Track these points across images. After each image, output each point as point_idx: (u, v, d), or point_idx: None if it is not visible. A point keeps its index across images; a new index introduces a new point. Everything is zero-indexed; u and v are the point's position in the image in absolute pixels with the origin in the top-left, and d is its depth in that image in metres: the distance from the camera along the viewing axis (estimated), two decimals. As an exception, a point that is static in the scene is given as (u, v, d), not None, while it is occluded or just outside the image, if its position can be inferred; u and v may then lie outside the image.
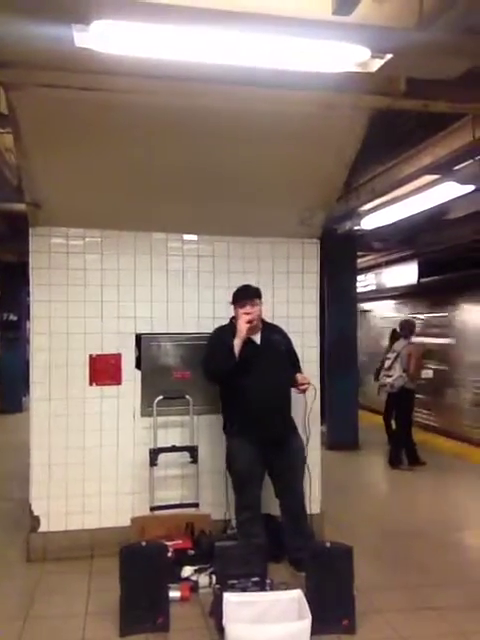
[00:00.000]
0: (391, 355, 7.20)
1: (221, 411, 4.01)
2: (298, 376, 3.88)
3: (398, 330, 7.60)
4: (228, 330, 3.86)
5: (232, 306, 3.89)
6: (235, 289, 3.92)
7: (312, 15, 2.44)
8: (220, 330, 3.96)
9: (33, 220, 4.16)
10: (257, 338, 3.86)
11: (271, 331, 3.94)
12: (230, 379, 3.78)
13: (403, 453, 7.04)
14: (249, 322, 3.72)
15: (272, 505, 4.00)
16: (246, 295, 3.83)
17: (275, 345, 3.87)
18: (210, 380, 3.97)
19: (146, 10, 2.42)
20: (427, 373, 7.32)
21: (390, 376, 7.08)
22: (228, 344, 3.72)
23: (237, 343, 3.71)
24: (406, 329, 7.40)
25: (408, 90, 3.23)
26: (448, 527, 4.92)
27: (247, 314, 3.74)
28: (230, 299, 3.91)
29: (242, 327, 3.72)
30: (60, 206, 4.03)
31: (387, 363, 7.21)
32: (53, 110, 3.26)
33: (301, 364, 4.12)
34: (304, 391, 3.92)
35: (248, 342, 3.78)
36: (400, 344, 7.27)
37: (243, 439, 3.77)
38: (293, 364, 4.00)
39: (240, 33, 2.56)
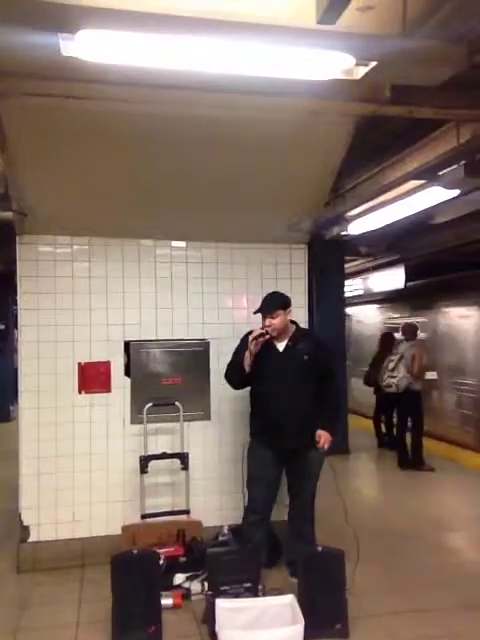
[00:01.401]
0: (394, 357, 7.32)
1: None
2: (319, 434, 3.66)
3: (400, 333, 7.71)
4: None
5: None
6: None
7: (297, 23, 2.46)
8: (247, 336, 3.81)
9: (20, 228, 4.15)
10: (281, 345, 3.77)
11: (299, 339, 3.80)
12: (251, 384, 3.81)
13: (423, 453, 7.07)
14: (256, 338, 3.62)
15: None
16: (265, 308, 3.74)
17: (298, 354, 3.75)
18: (231, 386, 3.93)
19: (132, 19, 2.43)
20: (432, 374, 7.37)
21: (394, 377, 7.16)
22: (244, 357, 3.69)
23: (246, 356, 3.67)
24: (409, 332, 7.54)
25: (393, 97, 3.27)
26: (439, 529, 4.95)
27: (268, 326, 3.68)
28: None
29: (250, 342, 3.66)
30: (47, 214, 4.02)
31: (391, 365, 7.31)
32: (39, 118, 3.26)
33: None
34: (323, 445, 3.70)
35: (271, 348, 3.72)
36: (404, 346, 7.39)
37: (259, 443, 3.78)
38: (322, 375, 3.80)
39: (226, 41, 2.58)
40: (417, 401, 7.19)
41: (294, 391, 3.71)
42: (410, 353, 7.22)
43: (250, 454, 3.82)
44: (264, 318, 3.73)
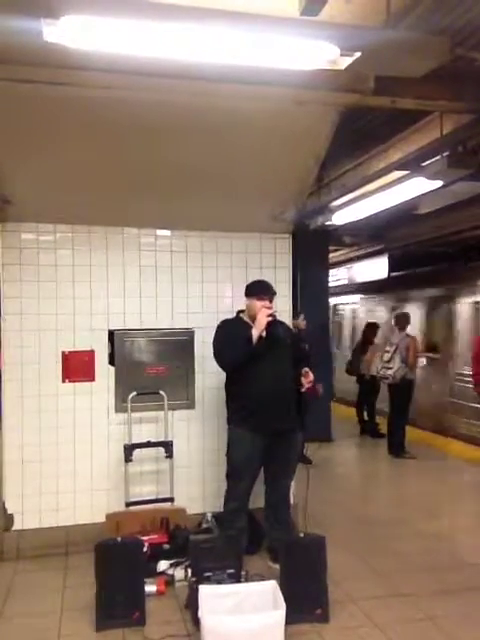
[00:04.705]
0: (390, 348, 7.32)
1: (225, 403, 3.96)
2: (304, 370, 3.86)
3: (393, 323, 7.74)
4: (236, 323, 3.87)
5: (247, 297, 3.89)
6: (250, 282, 3.95)
7: (282, 13, 2.46)
8: (228, 322, 3.93)
9: (2, 216, 4.10)
10: (264, 331, 3.83)
11: (276, 325, 3.89)
12: (239, 370, 3.78)
13: (405, 440, 7.15)
14: (271, 316, 3.72)
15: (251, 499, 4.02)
16: (269, 291, 3.86)
17: (281, 338, 3.88)
18: (228, 369, 3.87)
19: (116, 5, 2.42)
20: (421, 361, 7.42)
21: (390, 368, 7.19)
22: (243, 334, 3.70)
23: (255, 334, 3.69)
24: (402, 322, 7.54)
25: (377, 87, 3.29)
26: (418, 515, 5.02)
27: (268, 308, 3.76)
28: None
29: (262, 320, 3.70)
30: (30, 202, 3.98)
31: (386, 356, 7.32)
32: (22, 105, 3.23)
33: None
34: (308, 389, 3.90)
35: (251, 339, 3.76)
36: (397, 336, 7.41)
37: (246, 430, 3.76)
38: (298, 359, 3.98)
39: (211, 30, 2.58)
40: (411, 390, 7.27)
41: (281, 373, 3.80)
42: (405, 343, 7.24)
43: (236, 443, 3.81)
44: (263, 300, 3.80)
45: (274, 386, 3.75)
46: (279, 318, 3.99)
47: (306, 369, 3.89)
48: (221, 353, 3.83)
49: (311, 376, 3.86)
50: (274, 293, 3.89)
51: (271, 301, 3.83)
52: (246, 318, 3.88)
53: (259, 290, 3.87)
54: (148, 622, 3.17)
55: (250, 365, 3.71)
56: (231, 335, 3.79)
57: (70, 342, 4.22)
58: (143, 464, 4.24)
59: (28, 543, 4.05)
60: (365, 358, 8.41)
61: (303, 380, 3.85)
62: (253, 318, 3.78)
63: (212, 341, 3.92)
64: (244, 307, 3.95)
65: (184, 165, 3.79)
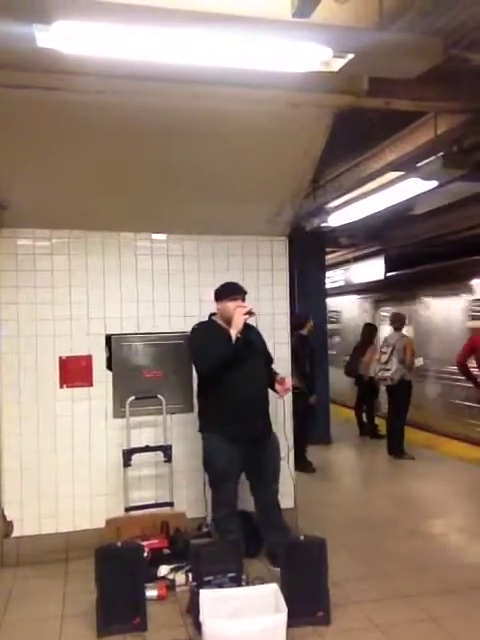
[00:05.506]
0: (386, 349, 7.28)
1: (198, 410, 3.96)
2: (280, 377, 3.86)
3: (389, 323, 7.71)
4: (211, 325, 3.84)
5: (218, 301, 3.85)
6: (219, 286, 3.90)
7: (274, 16, 2.47)
8: (203, 325, 3.90)
9: (-1, 222, 4.11)
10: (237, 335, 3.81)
11: (248, 329, 3.88)
12: (215, 376, 3.72)
13: (404, 441, 7.14)
14: (248, 313, 3.70)
15: (248, 501, 4.02)
16: (240, 290, 3.84)
17: (253, 344, 3.87)
18: (208, 372, 3.77)
19: (109, 10, 2.42)
20: (419, 361, 7.41)
21: (388, 369, 7.15)
22: (220, 336, 3.67)
23: (233, 333, 3.65)
24: (398, 322, 7.50)
25: (371, 89, 3.29)
26: (419, 516, 5.02)
27: (243, 307, 3.72)
28: (212, 296, 3.88)
29: (239, 319, 3.67)
30: (26, 207, 3.98)
31: (383, 357, 7.28)
32: (17, 110, 3.22)
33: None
34: (284, 394, 3.91)
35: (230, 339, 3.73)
36: (394, 337, 7.36)
37: (222, 436, 3.71)
38: (267, 364, 4.01)
39: (204, 33, 2.58)
40: (409, 391, 7.26)
41: (257, 379, 3.79)
42: (401, 344, 7.21)
43: (214, 450, 3.75)
44: (235, 300, 3.77)
45: (251, 393, 3.73)
46: (272, 319, 3.99)
47: (282, 376, 3.87)
48: (202, 355, 3.76)
49: (287, 383, 3.84)
50: (245, 292, 3.85)
51: (243, 300, 3.80)
52: (220, 321, 3.84)
53: (230, 291, 3.84)
54: (149, 627, 3.16)
55: (227, 371, 3.66)
56: (209, 337, 3.75)
57: (67, 347, 4.22)
58: (142, 469, 4.23)
59: (28, 550, 4.04)
60: (364, 359, 8.40)
61: (278, 387, 3.84)
62: (227, 321, 3.74)
63: (188, 344, 3.91)
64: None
65: (179, 169, 3.79)
